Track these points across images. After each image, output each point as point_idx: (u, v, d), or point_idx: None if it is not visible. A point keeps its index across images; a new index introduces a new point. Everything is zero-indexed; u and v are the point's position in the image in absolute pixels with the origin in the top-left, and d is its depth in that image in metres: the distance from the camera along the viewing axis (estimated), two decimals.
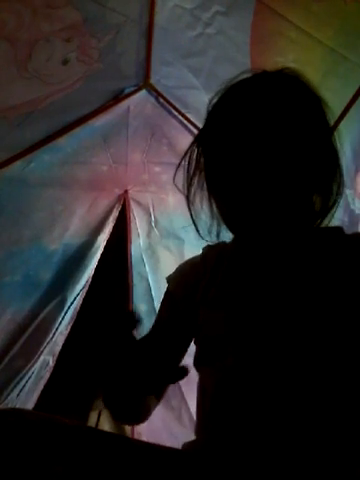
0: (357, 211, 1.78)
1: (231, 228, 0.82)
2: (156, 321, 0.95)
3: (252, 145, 0.75)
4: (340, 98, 1.68)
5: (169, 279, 0.95)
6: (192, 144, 0.85)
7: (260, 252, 0.82)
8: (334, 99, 1.67)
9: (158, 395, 0.92)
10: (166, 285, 0.96)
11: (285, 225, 0.78)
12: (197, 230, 0.87)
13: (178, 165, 0.87)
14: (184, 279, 0.92)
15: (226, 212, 0.81)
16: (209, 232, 0.87)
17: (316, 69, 1.63)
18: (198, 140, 0.84)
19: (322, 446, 0.72)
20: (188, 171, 0.85)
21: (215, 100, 0.82)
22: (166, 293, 0.95)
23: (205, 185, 0.83)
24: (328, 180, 0.81)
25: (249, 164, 0.75)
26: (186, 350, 0.92)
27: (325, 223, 0.83)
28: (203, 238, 0.88)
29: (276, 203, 0.76)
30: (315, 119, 0.80)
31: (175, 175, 0.87)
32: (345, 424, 0.73)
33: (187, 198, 0.86)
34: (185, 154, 0.85)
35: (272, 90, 0.79)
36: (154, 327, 0.94)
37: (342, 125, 1.68)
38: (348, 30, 1.57)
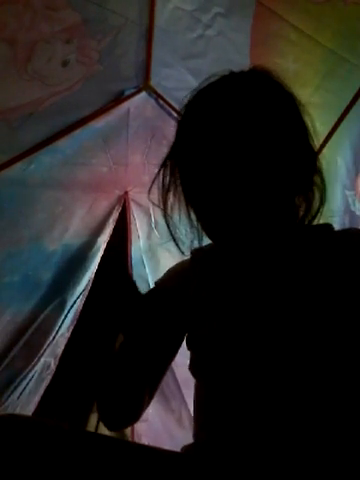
0: (358, 212, 1.77)
1: (212, 237, 0.81)
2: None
3: (225, 149, 0.74)
4: (340, 99, 1.68)
5: (158, 281, 0.95)
6: (165, 160, 0.84)
7: (244, 259, 0.81)
8: (334, 100, 1.68)
9: (150, 393, 0.92)
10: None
11: (266, 228, 0.76)
12: (177, 245, 0.86)
13: (152, 182, 0.85)
14: (173, 281, 0.91)
15: (206, 221, 0.80)
16: (191, 243, 0.87)
17: (316, 71, 1.63)
18: (171, 153, 0.83)
19: (321, 450, 0.72)
20: (163, 185, 0.84)
21: (184, 109, 0.81)
22: (152, 290, 0.94)
23: (182, 197, 0.82)
24: (308, 177, 0.79)
25: (224, 169, 0.74)
26: (176, 351, 0.92)
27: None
28: (183, 253, 0.88)
29: (255, 206, 0.74)
30: (288, 117, 0.77)
31: (149, 192, 0.86)
32: (343, 427, 0.73)
33: (164, 212, 0.85)
34: (158, 171, 0.84)
35: (242, 91, 0.77)
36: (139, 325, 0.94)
37: (342, 126, 1.68)
38: (348, 32, 1.57)
